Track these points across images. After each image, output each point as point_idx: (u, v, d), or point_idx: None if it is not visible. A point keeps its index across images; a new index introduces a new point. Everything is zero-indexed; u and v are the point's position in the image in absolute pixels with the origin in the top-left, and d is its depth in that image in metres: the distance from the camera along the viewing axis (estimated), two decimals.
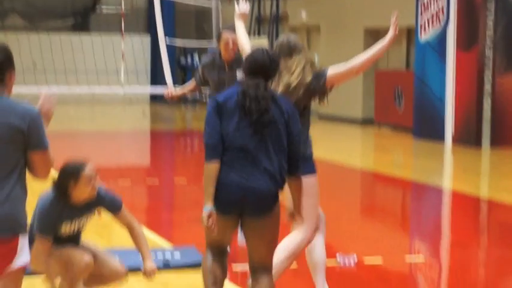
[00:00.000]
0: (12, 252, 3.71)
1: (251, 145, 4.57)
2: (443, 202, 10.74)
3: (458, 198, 10.65)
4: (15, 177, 3.72)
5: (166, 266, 6.32)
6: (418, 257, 7.35)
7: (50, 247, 5.06)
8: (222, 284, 4.73)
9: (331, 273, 6.24)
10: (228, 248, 4.91)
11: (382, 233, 8.04)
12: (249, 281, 4.83)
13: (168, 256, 6.51)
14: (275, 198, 4.62)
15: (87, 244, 5.34)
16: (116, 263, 5.27)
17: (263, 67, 4.69)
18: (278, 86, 5.29)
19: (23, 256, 3.76)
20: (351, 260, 6.76)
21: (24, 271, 3.81)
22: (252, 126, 4.58)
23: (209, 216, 4.54)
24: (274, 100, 4.64)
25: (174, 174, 12.75)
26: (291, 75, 5.35)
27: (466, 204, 10.29)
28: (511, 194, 10.55)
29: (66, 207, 5.09)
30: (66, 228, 5.14)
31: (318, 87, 5.37)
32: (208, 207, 4.54)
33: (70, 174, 5.04)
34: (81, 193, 5.07)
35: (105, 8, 27.46)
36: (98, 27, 26.99)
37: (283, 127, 4.62)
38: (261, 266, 4.69)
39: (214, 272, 4.70)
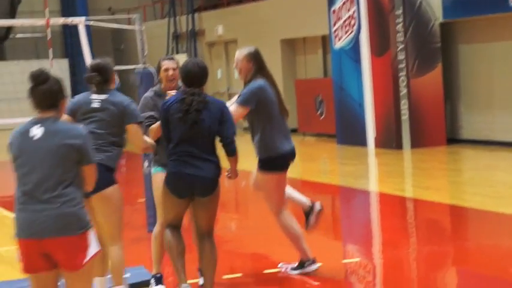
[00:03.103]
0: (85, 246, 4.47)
1: (191, 141, 5.84)
2: (371, 204, 11.19)
3: (385, 199, 11.10)
4: (74, 185, 4.47)
5: None
6: (355, 260, 7.71)
7: None
8: (184, 253, 6.02)
9: (275, 280, 6.59)
10: None
11: (317, 240, 8.39)
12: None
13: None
14: (216, 181, 5.94)
15: None
16: None
17: (196, 77, 5.93)
18: None
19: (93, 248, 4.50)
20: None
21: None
22: (188, 125, 5.83)
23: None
24: (207, 104, 5.90)
25: None
26: None
27: (393, 204, 10.73)
28: (434, 192, 11.07)
29: None
30: None
31: None
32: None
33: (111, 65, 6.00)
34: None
35: (19, 35, 27.29)
36: (14, 54, 26.80)
37: (215, 124, 5.89)
38: (206, 232, 6.04)
39: (176, 246, 5.97)
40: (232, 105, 6.51)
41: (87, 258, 4.50)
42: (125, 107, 5.79)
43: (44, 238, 4.42)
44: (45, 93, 4.51)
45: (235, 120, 6.42)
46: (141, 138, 5.86)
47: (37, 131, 4.50)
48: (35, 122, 4.54)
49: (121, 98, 5.86)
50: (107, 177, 5.66)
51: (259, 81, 6.57)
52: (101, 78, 5.82)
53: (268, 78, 6.64)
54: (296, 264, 6.96)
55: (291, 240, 6.90)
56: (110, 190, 5.70)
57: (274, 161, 6.65)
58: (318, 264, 6.93)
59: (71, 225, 4.44)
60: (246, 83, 6.67)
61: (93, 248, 4.53)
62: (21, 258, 4.51)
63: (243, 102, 6.52)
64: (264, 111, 6.56)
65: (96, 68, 5.87)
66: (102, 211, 5.73)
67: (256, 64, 6.59)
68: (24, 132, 4.54)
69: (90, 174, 4.59)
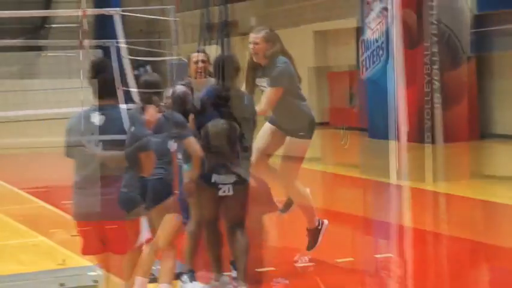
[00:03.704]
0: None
1: (225, 135, 5.88)
2: (403, 199, 11.18)
3: (417, 193, 11.08)
4: (131, 171, 4.68)
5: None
6: (386, 255, 7.72)
7: None
8: (222, 247, 6.18)
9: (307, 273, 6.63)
10: None
11: (348, 234, 8.42)
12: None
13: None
14: (246, 173, 6.07)
15: None
16: None
17: (229, 72, 5.99)
18: None
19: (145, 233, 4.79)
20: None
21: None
22: (224, 118, 5.90)
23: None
24: (241, 98, 6.04)
25: None
26: None
27: (425, 199, 10.72)
28: (467, 187, 11.03)
29: None
30: None
31: None
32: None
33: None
34: None
35: (54, 25, 27.47)
36: (48, 45, 26.95)
37: (249, 116, 6.00)
38: (237, 224, 6.11)
39: (216, 241, 6.15)
40: (267, 90, 6.60)
41: (139, 243, 4.72)
42: (180, 124, 5.85)
43: (100, 221, 4.53)
44: (105, 81, 4.66)
45: (272, 103, 6.60)
46: (198, 150, 5.91)
47: (98, 118, 4.61)
48: (95, 109, 4.65)
49: (173, 115, 5.90)
50: (166, 190, 5.71)
51: (282, 59, 6.65)
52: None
53: (286, 55, 6.73)
54: (308, 245, 7.05)
55: (304, 205, 7.08)
56: (169, 201, 5.74)
57: (312, 126, 6.86)
58: (326, 221, 7.09)
59: (125, 210, 4.63)
60: (265, 64, 6.67)
61: (144, 234, 4.74)
62: (80, 239, 4.66)
63: (278, 83, 6.59)
64: (292, 85, 6.72)
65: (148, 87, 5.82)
66: (161, 220, 5.80)
67: (276, 43, 6.66)
68: (85, 118, 4.66)
69: (147, 160, 4.75)
